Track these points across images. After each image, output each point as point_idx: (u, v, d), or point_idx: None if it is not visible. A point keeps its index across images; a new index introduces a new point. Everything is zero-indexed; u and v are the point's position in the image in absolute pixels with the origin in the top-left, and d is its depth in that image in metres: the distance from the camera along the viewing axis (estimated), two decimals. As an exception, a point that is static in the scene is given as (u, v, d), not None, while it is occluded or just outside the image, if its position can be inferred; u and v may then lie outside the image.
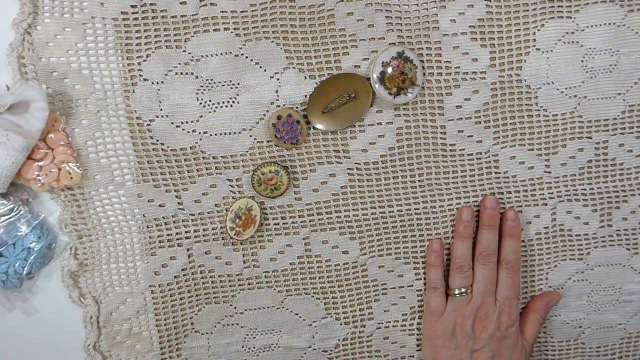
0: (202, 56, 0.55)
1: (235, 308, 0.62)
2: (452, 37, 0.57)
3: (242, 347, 0.63)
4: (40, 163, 0.54)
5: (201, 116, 0.56)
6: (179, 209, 0.59)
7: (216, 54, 0.55)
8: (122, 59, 0.55)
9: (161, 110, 0.56)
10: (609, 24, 0.58)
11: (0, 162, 0.51)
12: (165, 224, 0.59)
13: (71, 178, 0.55)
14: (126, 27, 0.54)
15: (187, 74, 0.56)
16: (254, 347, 0.63)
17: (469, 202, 0.61)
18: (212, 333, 0.62)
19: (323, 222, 0.60)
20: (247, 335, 0.63)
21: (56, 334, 0.60)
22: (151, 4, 0.54)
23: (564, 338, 0.66)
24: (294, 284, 0.62)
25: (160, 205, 0.58)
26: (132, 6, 0.54)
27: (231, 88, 0.56)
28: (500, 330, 0.60)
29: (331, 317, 0.63)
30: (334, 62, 0.57)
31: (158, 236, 0.59)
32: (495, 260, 0.60)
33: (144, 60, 0.55)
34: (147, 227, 0.59)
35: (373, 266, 0.62)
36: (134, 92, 0.56)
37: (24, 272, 0.56)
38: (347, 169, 0.59)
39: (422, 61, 0.57)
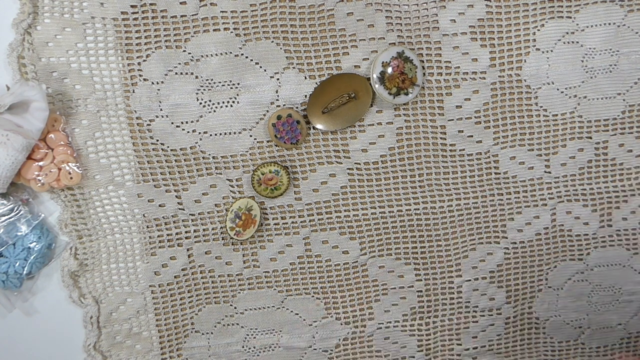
0: (202, 56, 0.55)
1: (235, 308, 0.62)
2: (452, 37, 0.57)
3: (243, 347, 0.63)
4: (40, 163, 0.54)
5: (201, 116, 0.56)
6: (179, 209, 0.59)
7: (216, 54, 0.55)
8: (122, 59, 0.55)
9: (161, 110, 0.56)
10: (609, 24, 0.58)
11: (0, 162, 0.51)
12: (165, 224, 0.59)
13: (71, 178, 0.55)
14: (126, 27, 0.54)
15: (187, 74, 0.56)
16: (254, 347, 0.63)
17: (468, 203, 0.61)
18: (212, 333, 0.62)
19: (323, 222, 0.60)
20: (248, 335, 0.63)
21: (56, 334, 0.60)
22: (151, 4, 0.54)
23: (564, 338, 0.66)
24: (294, 284, 0.62)
25: (160, 205, 0.58)
26: (132, 6, 0.54)
27: (231, 88, 0.56)
28: None
29: (331, 317, 0.63)
30: (334, 62, 0.57)
31: (158, 236, 0.59)
32: None
33: (144, 60, 0.55)
34: (147, 227, 0.59)
35: (373, 266, 0.62)
36: (134, 92, 0.56)
37: (24, 272, 0.56)
38: (347, 169, 0.59)
39: (422, 61, 0.57)
